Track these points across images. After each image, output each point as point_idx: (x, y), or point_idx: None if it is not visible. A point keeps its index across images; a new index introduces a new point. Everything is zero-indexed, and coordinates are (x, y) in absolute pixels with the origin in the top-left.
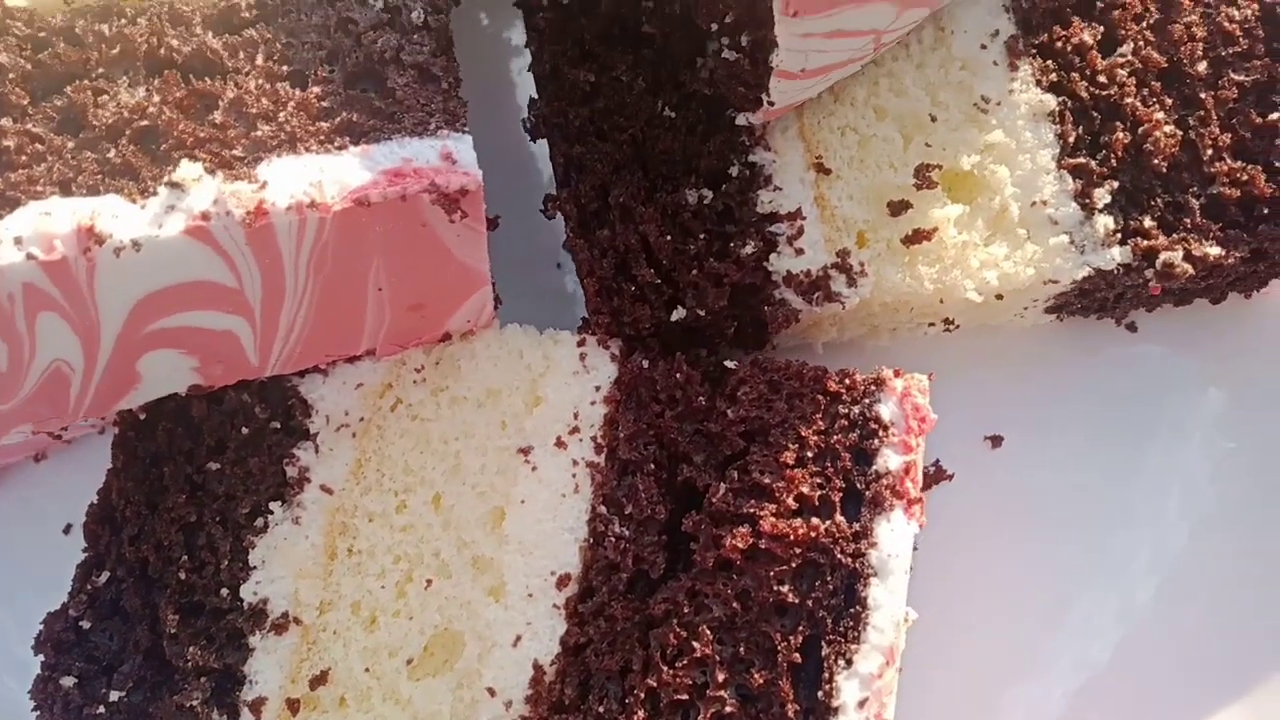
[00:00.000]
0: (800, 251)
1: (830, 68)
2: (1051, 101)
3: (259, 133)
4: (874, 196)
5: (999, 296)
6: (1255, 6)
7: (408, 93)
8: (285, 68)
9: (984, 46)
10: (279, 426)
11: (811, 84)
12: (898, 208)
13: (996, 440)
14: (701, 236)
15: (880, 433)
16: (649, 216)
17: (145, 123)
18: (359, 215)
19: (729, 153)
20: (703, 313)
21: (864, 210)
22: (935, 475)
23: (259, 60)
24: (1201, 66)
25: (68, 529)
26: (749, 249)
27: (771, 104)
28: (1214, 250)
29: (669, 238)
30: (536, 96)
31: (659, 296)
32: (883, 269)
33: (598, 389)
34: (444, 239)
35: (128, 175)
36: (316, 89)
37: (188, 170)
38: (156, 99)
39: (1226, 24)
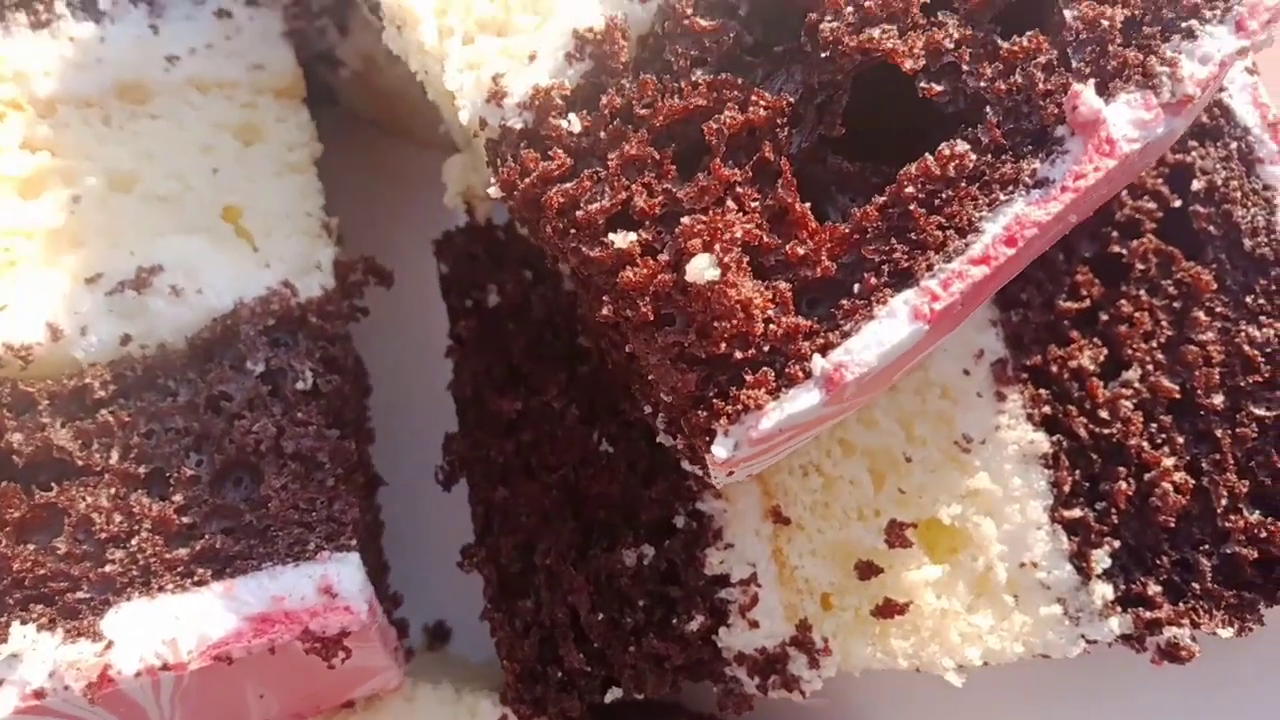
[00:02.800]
0: (755, 624)
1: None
2: (1044, 442)
3: (108, 567)
4: (841, 553)
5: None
6: (1278, 325)
7: (284, 499)
8: (143, 468)
9: (967, 372)
10: None
11: (761, 465)
12: (867, 570)
13: None
14: (641, 604)
15: None
16: (579, 585)
17: None
18: (221, 666)
19: (673, 500)
20: (641, 696)
21: (829, 570)
22: None
23: (113, 458)
24: (1218, 399)
25: None
26: (694, 624)
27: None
28: (1226, 631)
29: (601, 615)
30: (456, 430)
31: (590, 682)
32: (849, 642)
33: None
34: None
35: None
36: (178, 497)
37: (20, 637)
38: None
39: (1246, 347)
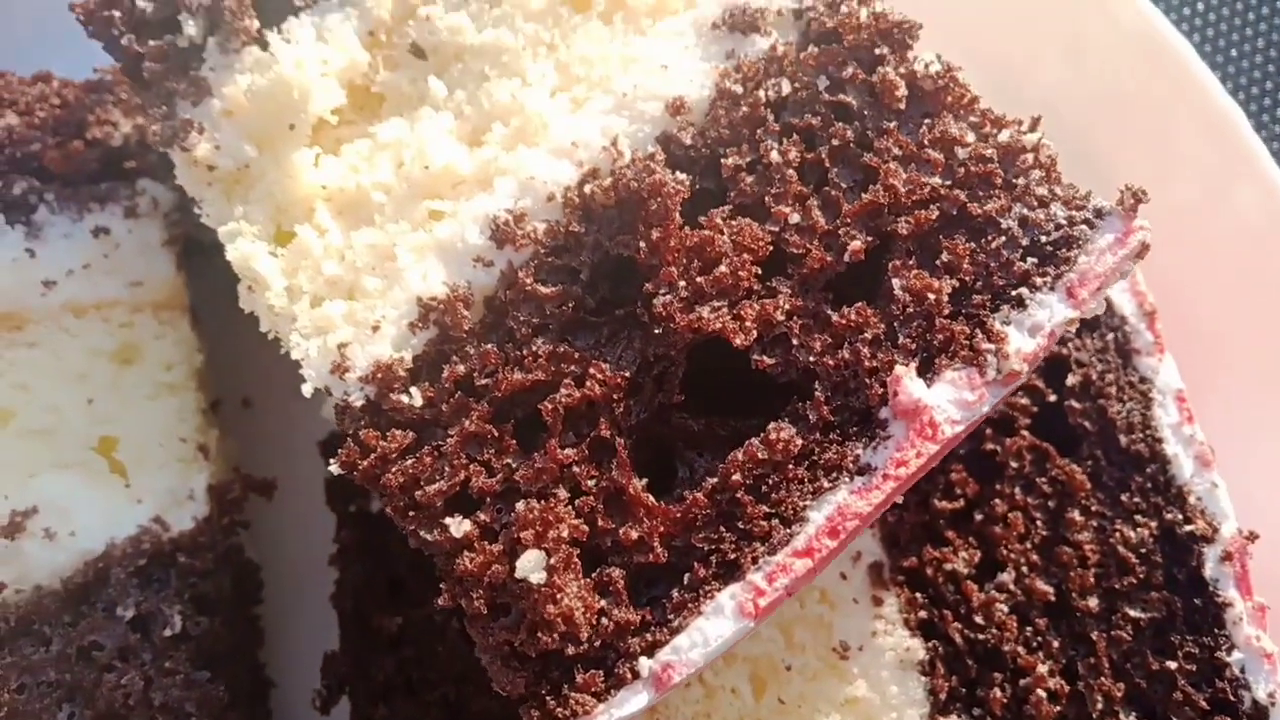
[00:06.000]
0: None
1: None
2: (920, 648)
3: None
4: None
5: None
6: (1153, 525)
7: None
8: None
9: (844, 576)
10: None
11: None
12: None
13: None
14: None
15: None
16: None
17: None
18: None
19: None
20: None
21: None
22: None
23: None
24: (1093, 601)
25: None
26: None
27: None
28: None
29: None
30: (338, 648)
31: None
32: None
33: None
34: None
35: None
36: None
37: None
38: None
39: (1121, 548)
